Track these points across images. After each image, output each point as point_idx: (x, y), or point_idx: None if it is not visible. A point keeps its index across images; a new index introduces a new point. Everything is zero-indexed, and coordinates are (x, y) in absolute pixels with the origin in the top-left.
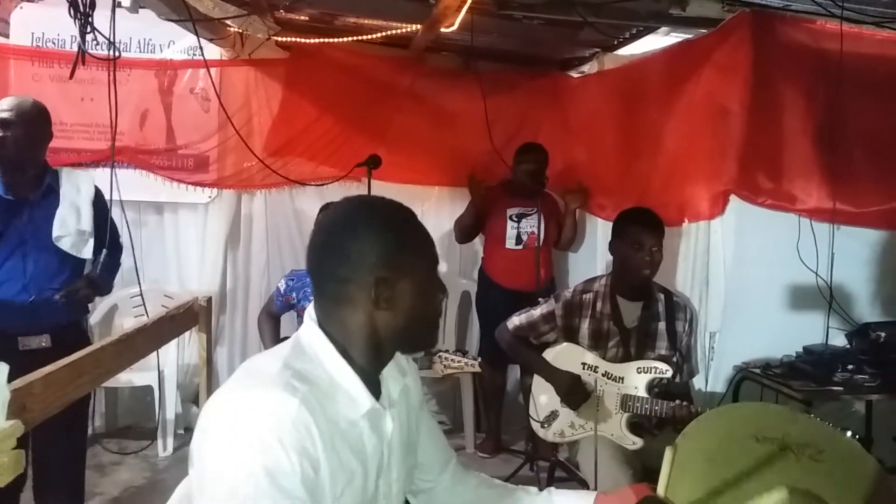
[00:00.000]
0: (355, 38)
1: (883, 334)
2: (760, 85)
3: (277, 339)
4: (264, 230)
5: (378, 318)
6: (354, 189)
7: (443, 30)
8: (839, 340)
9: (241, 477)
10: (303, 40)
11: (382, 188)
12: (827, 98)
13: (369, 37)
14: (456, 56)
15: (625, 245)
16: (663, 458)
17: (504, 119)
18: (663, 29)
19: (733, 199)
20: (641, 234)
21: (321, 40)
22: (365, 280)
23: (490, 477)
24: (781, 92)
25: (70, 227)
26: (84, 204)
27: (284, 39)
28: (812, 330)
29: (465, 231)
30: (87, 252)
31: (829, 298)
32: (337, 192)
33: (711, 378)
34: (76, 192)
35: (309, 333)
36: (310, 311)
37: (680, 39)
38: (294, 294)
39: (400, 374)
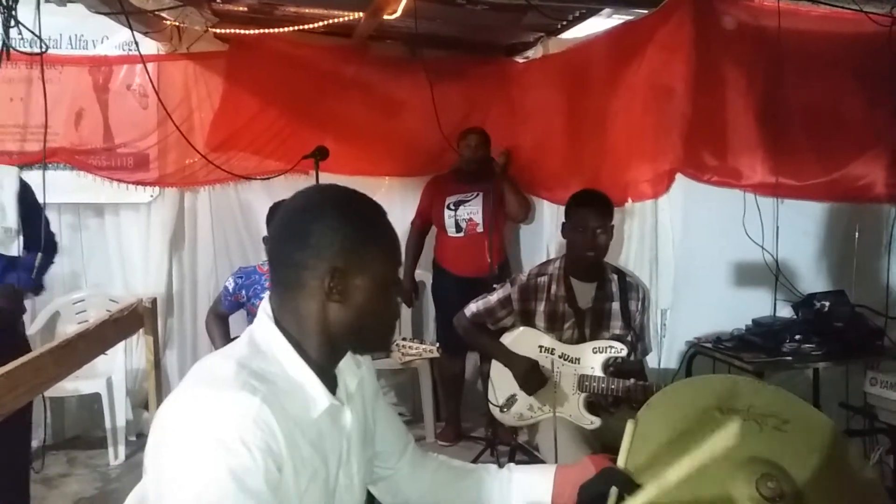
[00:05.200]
0: (296, 27)
1: (827, 304)
2: (702, 63)
3: (227, 338)
4: (210, 228)
5: (330, 310)
6: (302, 182)
7: (386, 17)
8: (786, 312)
9: (206, 480)
10: (242, 32)
11: (331, 180)
12: (767, 74)
13: (311, 26)
14: (400, 44)
15: (571, 228)
16: (624, 432)
17: (452, 106)
18: (606, 11)
19: (680, 177)
20: (585, 216)
21: (261, 31)
22: (320, 268)
23: (450, 458)
24: (723, 70)
25: None
26: (8, 200)
27: (223, 31)
28: (760, 302)
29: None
30: (13, 249)
31: (776, 271)
32: (283, 185)
33: (664, 354)
34: None
35: (263, 330)
36: (264, 306)
37: (622, 21)
38: (243, 292)
39: (356, 365)
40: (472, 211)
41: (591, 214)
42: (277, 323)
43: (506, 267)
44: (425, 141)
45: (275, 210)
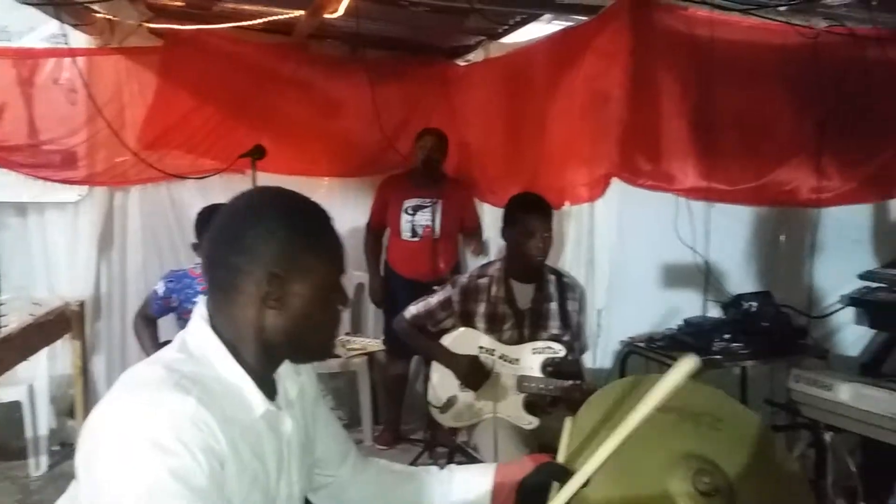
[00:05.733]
0: (235, 24)
1: (754, 304)
2: (639, 70)
3: (156, 342)
4: (140, 228)
5: (266, 317)
6: (237, 182)
7: (327, 16)
8: (716, 312)
9: (147, 485)
10: (178, 27)
11: (268, 180)
12: (700, 82)
13: (249, 23)
14: (340, 43)
15: (517, 232)
16: (562, 430)
17: (393, 107)
18: (546, 17)
19: (615, 181)
20: (533, 221)
21: (198, 27)
22: (257, 273)
23: (390, 462)
24: (659, 77)
25: None
26: None
27: (158, 26)
28: (691, 303)
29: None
30: None
31: (706, 272)
32: (219, 185)
33: (600, 354)
34: None
35: (197, 334)
36: (199, 310)
37: (562, 27)
38: (174, 296)
39: (296, 372)
40: (429, 218)
41: (539, 219)
42: (213, 327)
43: (457, 272)
44: (366, 141)
45: (204, 215)
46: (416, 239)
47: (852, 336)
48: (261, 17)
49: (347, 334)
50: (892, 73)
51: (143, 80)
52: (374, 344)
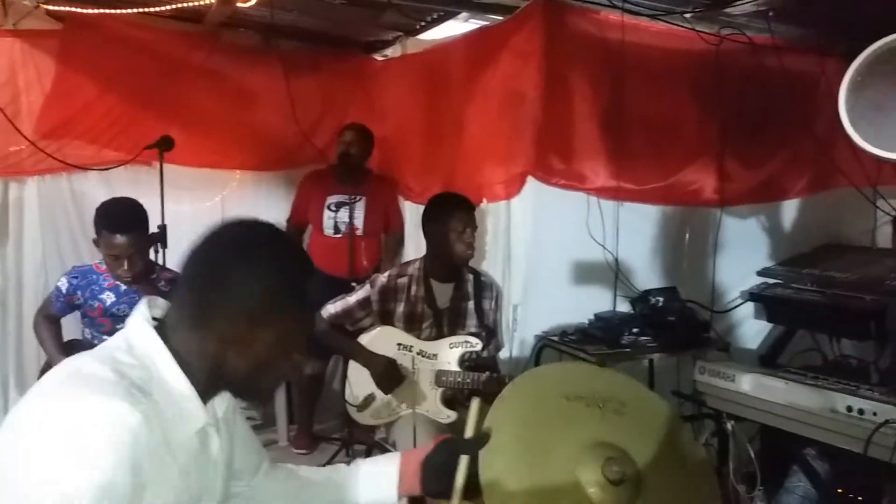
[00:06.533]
0: (141, 10)
1: (660, 299)
2: (553, 71)
3: (59, 342)
4: (38, 222)
5: (227, 356)
6: (143, 174)
7: (239, 4)
8: (625, 307)
9: (67, 494)
10: (78, 10)
11: (177, 172)
12: (611, 84)
13: (157, 9)
14: (254, 33)
15: (443, 231)
16: (469, 410)
17: (309, 100)
18: (463, 15)
19: (531, 179)
20: (460, 220)
21: (101, 11)
22: (232, 313)
23: (298, 466)
24: (571, 78)
25: None
26: None
27: (56, 9)
28: (602, 298)
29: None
30: None
31: (616, 269)
32: (124, 177)
33: (515, 348)
34: None
35: (143, 339)
36: (143, 311)
37: (479, 26)
38: (79, 293)
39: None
40: (352, 215)
41: (465, 218)
42: (164, 337)
43: (378, 270)
44: (280, 134)
45: (102, 210)
46: (338, 235)
47: (752, 330)
48: (169, 4)
49: None
50: (789, 81)
51: (41, 65)
52: None
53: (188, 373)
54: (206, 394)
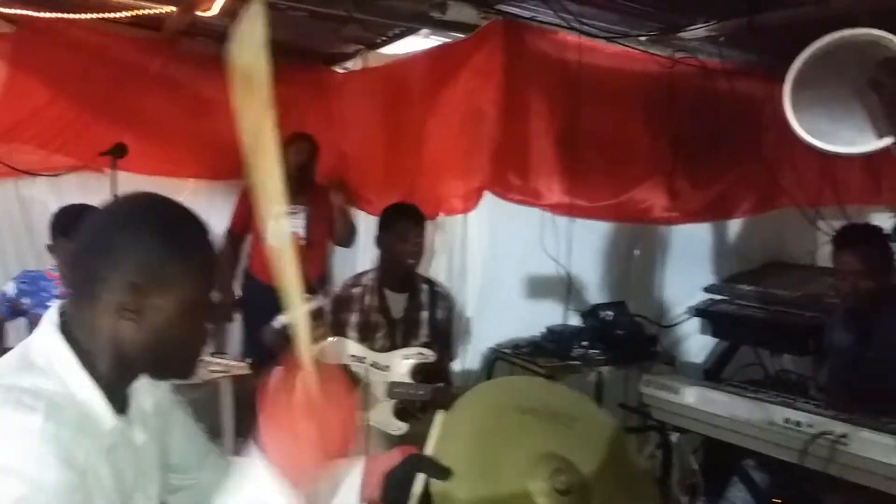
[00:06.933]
0: (99, 15)
1: (610, 314)
2: (511, 89)
3: (2, 349)
4: None
5: (123, 329)
6: (94, 181)
7: (200, 14)
8: (576, 320)
9: None
10: (33, 14)
11: (130, 180)
12: (567, 103)
13: (115, 15)
14: (213, 42)
15: (390, 239)
16: (433, 424)
17: None
18: (424, 31)
19: (487, 194)
20: (405, 227)
21: (56, 15)
22: (117, 281)
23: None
24: (529, 96)
25: None
26: None
27: (8, 11)
28: (554, 312)
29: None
30: None
31: (568, 283)
32: (74, 183)
33: (469, 360)
34: None
35: (44, 342)
36: (49, 315)
37: (440, 42)
38: (26, 300)
39: (152, 385)
40: (297, 224)
41: (410, 225)
42: (68, 334)
43: (324, 280)
44: (236, 144)
45: (60, 216)
46: None
47: (697, 344)
48: (128, 10)
49: (212, 354)
50: (737, 105)
51: None
52: (239, 366)
53: (95, 372)
54: (118, 383)
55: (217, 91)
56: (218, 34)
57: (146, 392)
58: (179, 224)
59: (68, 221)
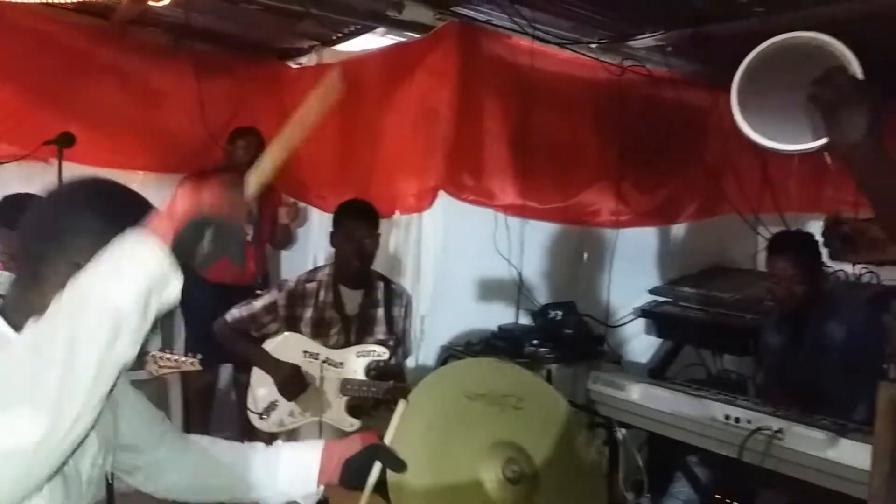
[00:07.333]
0: (44, 1)
1: (559, 313)
2: (466, 90)
3: None
4: None
5: None
6: (38, 171)
7: (151, 3)
8: (527, 319)
9: None
10: None
11: (76, 170)
12: (520, 106)
13: (62, 1)
14: (164, 32)
15: (340, 236)
16: (395, 411)
17: (218, 104)
18: (380, 29)
19: (442, 193)
20: (354, 227)
21: None
22: (62, 263)
23: (216, 440)
24: (483, 98)
25: None
26: None
27: None
28: (506, 311)
29: None
30: None
31: (519, 283)
32: (17, 173)
33: (422, 357)
34: None
35: None
36: None
37: (395, 41)
38: None
39: None
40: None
41: (360, 225)
42: (9, 317)
43: (267, 276)
44: (187, 137)
45: (3, 206)
46: None
47: (643, 344)
48: None
49: (160, 350)
50: (683, 113)
51: None
52: (190, 362)
53: None
54: None
55: (167, 82)
56: (169, 24)
57: None
58: (123, 204)
59: (11, 212)
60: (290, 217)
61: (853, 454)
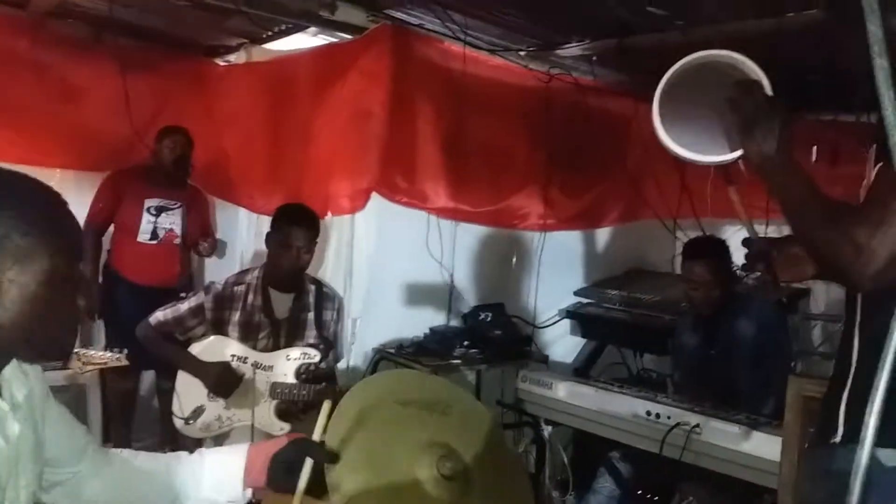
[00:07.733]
0: None
1: (489, 315)
2: (398, 92)
3: None
4: None
5: None
6: None
7: None
8: (458, 321)
9: None
10: None
11: None
12: (452, 110)
13: None
14: (84, 25)
15: (277, 242)
16: (321, 410)
17: (142, 100)
18: (312, 29)
19: (375, 195)
20: (293, 233)
21: None
22: None
23: (137, 453)
24: (416, 101)
25: None
26: None
27: None
28: (437, 312)
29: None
30: None
31: (451, 285)
32: None
33: (353, 360)
34: None
35: None
36: None
37: (326, 42)
38: None
39: (23, 373)
40: (174, 221)
41: (299, 233)
42: None
43: (189, 279)
44: (109, 134)
45: None
46: (154, 242)
47: (567, 345)
48: None
49: (84, 348)
50: (607, 121)
51: None
52: (116, 357)
53: None
54: None
55: (88, 78)
56: (92, 17)
57: (17, 381)
58: (33, 197)
59: None
60: (206, 252)
61: (765, 446)
